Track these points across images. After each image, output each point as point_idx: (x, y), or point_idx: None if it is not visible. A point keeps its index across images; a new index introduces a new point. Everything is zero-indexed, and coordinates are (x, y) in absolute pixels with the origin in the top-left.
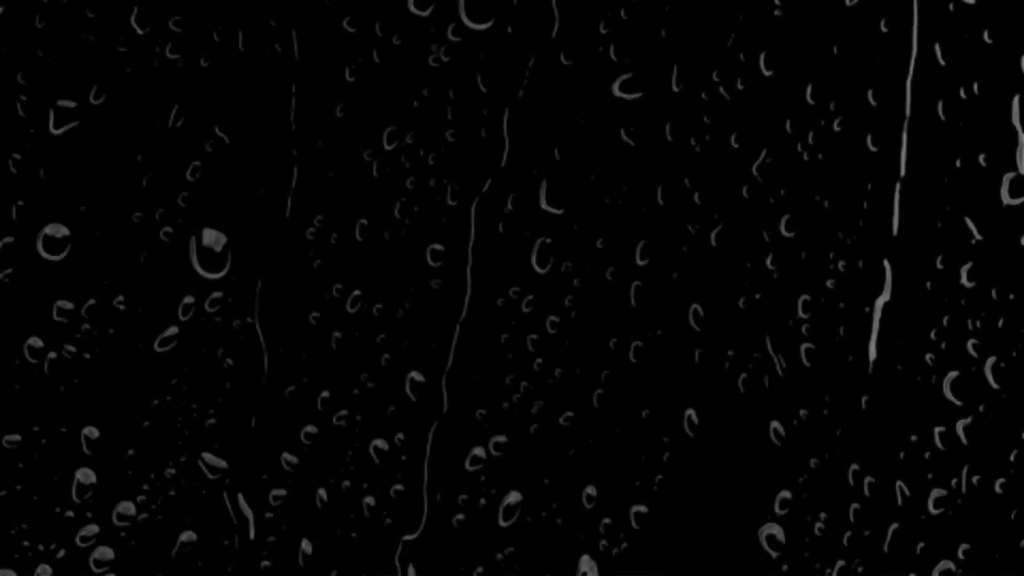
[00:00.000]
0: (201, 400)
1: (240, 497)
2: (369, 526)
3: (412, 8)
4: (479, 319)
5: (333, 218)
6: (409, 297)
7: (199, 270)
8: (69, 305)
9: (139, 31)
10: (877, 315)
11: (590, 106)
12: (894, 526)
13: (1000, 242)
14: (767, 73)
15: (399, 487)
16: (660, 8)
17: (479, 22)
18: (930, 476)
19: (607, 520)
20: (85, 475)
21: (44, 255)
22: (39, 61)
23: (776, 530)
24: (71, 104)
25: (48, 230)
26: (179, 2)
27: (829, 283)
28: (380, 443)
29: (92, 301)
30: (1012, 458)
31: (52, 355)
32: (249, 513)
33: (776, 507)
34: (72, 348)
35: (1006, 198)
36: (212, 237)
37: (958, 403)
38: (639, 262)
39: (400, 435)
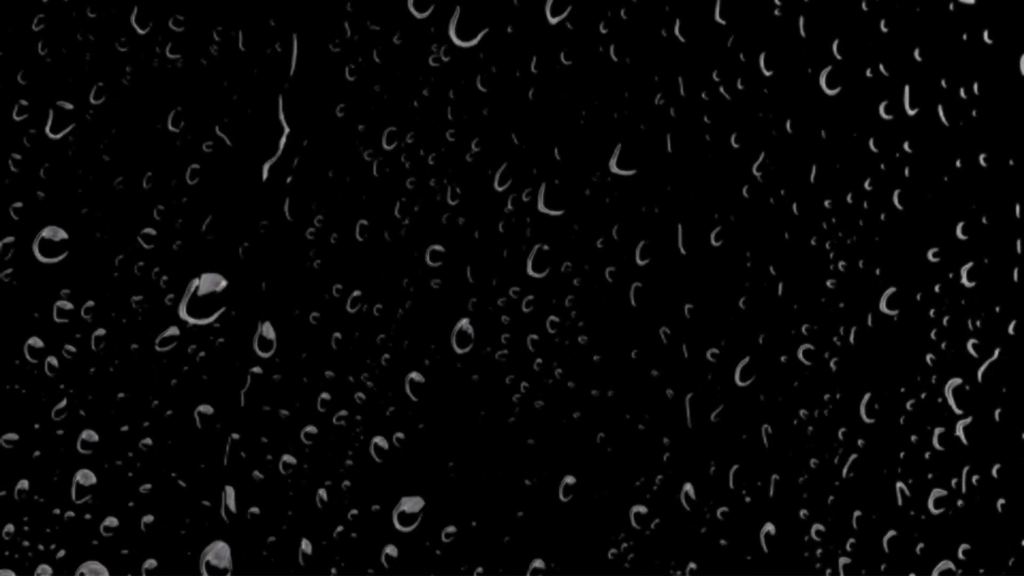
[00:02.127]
0: (201, 400)
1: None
2: (369, 526)
3: (412, 9)
4: (479, 319)
5: (333, 218)
6: (409, 297)
7: (191, 319)
8: (69, 306)
9: (139, 31)
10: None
11: (591, 106)
12: (894, 526)
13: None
14: (767, 73)
15: (399, 487)
16: (660, 8)
17: (467, 39)
18: (930, 476)
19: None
20: (85, 476)
21: (42, 257)
22: (39, 61)
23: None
24: (69, 106)
25: (46, 232)
26: (179, 2)
27: (829, 283)
28: (380, 442)
29: (91, 302)
30: (1012, 458)
31: (51, 357)
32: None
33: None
34: (72, 348)
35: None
36: (210, 282)
37: (956, 407)
38: (639, 262)
39: (400, 435)
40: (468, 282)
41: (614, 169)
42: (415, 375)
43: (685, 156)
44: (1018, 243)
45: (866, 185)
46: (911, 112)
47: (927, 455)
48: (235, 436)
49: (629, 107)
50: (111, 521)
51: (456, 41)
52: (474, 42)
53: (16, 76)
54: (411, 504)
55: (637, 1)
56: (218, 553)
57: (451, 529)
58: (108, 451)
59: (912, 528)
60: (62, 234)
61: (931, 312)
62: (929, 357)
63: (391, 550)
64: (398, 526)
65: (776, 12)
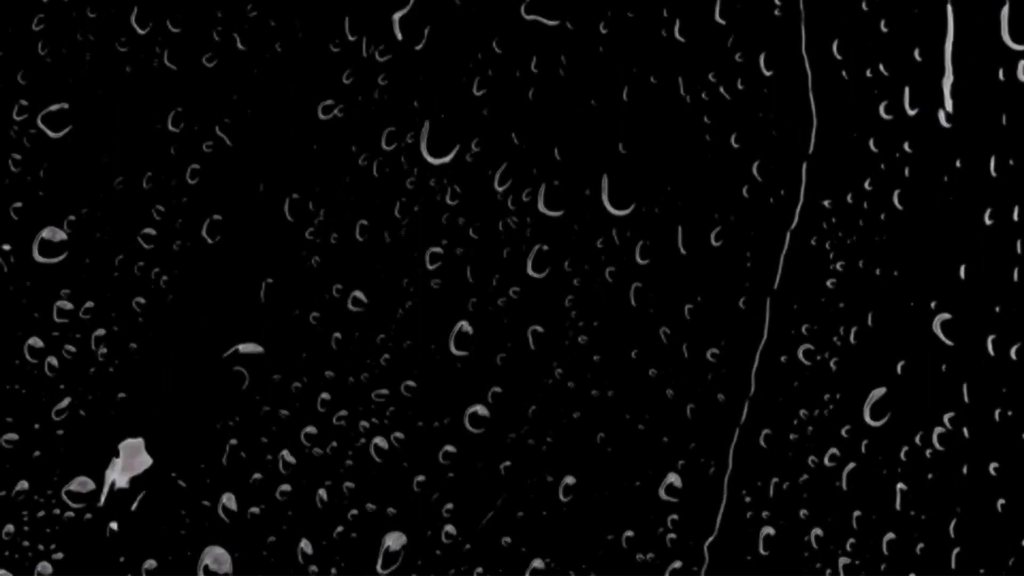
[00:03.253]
0: (201, 401)
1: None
2: (369, 526)
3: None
4: (479, 319)
5: (333, 218)
6: (409, 297)
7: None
8: (69, 306)
9: (139, 31)
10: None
11: (591, 106)
12: (894, 527)
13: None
14: (767, 73)
15: (399, 488)
16: (660, 8)
17: (439, 156)
18: (930, 476)
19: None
20: (82, 484)
21: (42, 258)
22: (39, 61)
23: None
24: (66, 106)
25: (45, 233)
26: (179, 2)
27: (829, 283)
28: (380, 443)
29: (91, 303)
30: (1012, 458)
31: (51, 357)
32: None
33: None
34: (72, 348)
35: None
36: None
37: (957, 407)
38: (639, 262)
39: (400, 435)
40: (468, 282)
41: (608, 208)
42: (416, 375)
43: (685, 156)
44: (1018, 243)
45: (866, 185)
46: (911, 112)
47: (927, 455)
48: (233, 442)
49: (629, 107)
50: (111, 521)
51: (428, 158)
52: (448, 158)
53: (16, 76)
54: (394, 540)
55: (637, 1)
56: (217, 558)
57: (451, 529)
58: (108, 451)
59: (912, 528)
60: (61, 235)
61: (931, 312)
62: (928, 356)
63: (391, 550)
64: (380, 569)
65: (776, 12)
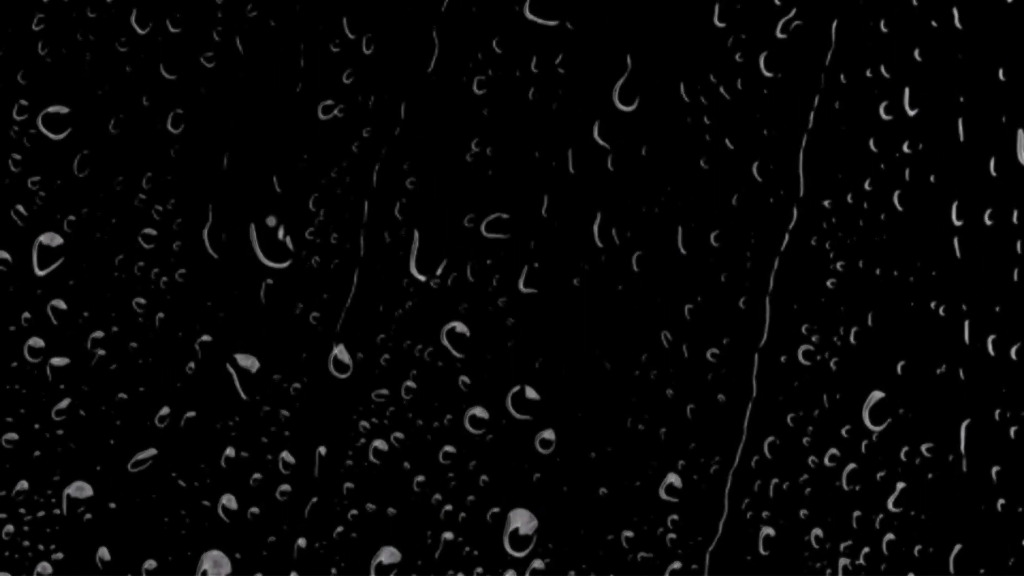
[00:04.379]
0: (200, 400)
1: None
2: (369, 526)
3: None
4: (478, 320)
5: (333, 218)
6: (409, 297)
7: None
8: (67, 307)
9: (139, 31)
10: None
11: (590, 106)
12: (893, 527)
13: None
14: (767, 74)
15: (398, 487)
16: (660, 8)
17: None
18: (930, 476)
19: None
20: (79, 488)
21: (40, 260)
22: (39, 61)
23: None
24: (65, 109)
25: (43, 238)
26: (179, 2)
27: (829, 283)
28: (380, 444)
29: (90, 303)
30: (1012, 458)
31: (52, 357)
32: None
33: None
34: (71, 349)
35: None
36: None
37: (956, 408)
38: (638, 263)
39: (399, 435)
40: (468, 282)
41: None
42: (415, 375)
43: (685, 156)
44: (1018, 243)
45: (866, 185)
46: (911, 112)
47: (927, 455)
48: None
49: (629, 108)
50: (111, 521)
51: (416, 274)
52: (437, 274)
53: (16, 76)
54: (388, 555)
55: (637, 2)
56: (216, 561)
57: (449, 535)
58: (107, 451)
59: (912, 528)
60: (59, 240)
61: (931, 312)
62: (928, 356)
63: (391, 550)
64: None
65: (776, 13)
